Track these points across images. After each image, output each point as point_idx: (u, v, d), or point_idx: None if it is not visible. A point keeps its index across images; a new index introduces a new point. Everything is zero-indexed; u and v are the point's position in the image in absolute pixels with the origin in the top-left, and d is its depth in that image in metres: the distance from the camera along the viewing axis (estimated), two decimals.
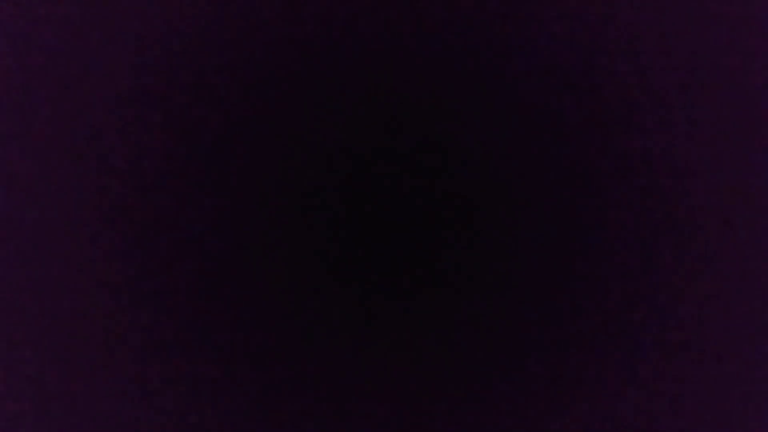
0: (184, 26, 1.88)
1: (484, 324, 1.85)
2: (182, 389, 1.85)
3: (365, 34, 1.87)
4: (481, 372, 1.85)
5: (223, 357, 1.85)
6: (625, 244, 1.86)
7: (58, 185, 1.87)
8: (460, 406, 1.85)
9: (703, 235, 1.87)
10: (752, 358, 1.87)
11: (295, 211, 1.87)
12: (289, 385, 1.85)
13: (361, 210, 1.86)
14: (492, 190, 1.86)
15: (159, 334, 1.86)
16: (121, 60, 1.88)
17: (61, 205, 1.87)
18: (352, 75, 1.87)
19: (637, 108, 1.88)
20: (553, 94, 1.87)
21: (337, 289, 1.86)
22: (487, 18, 1.87)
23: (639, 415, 1.86)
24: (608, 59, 1.88)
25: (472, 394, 1.85)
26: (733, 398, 1.87)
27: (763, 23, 1.89)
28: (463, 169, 1.86)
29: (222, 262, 1.86)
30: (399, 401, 1.85)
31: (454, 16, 1.88)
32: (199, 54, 1.88)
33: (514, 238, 1.86)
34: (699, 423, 1.86)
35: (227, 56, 1.88)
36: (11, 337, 1.86)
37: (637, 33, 1.89)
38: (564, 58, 1.88)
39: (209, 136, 1.87)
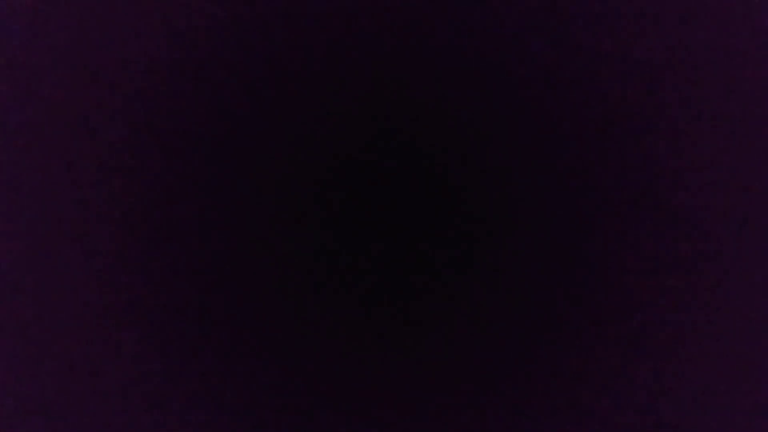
0: (183, 26, 1.88)
1: (483, 324, 1.86)
2: (181, 390, 1.85)
3: (365, 34, 1.87)
4: (480, 372, 1.85)
5: (221, 357, 1.86)
6: (625, 244, 1.86)
7: (58, 185, 1.88)
8: (459, 406, 1.85)
9: (704, 235, 1.87)
10: (752, 358, 1.87)
11: (294, 212, 1.87)
12: (287, 386, 1.86)
13: (360, 210, 1.86)
14: (492, 190, 1.87)
15: (158, 334, 1.86)
16: (121, 60, 1.89)
17: (61, 204, 1.87)
18: (352, 75, 1.88)
19: (636, 108, 1.88)
20: (553, 94, 1.88)
21: (336, 290, 1.86)
22: (486, 17, 1.87)
23: (639, 415, 1.86)
24: (608, 59, 1.88)
25: (471, 394, 1.85)
26: (733, 398, 1.87)
27: (763, 24, 1.89)
28: (463, 169, 1.86)
29: (220, 262, 1.86)
30: (398, 401, 1.86)
31: (454, 15, 1.88)
32: (198, 54, 1.88)
33: (514, 238, 1.86)
34: (699, 423, 1.86)
35: (226, 56, 1.88)
36: (11, 338, 1.87)
37: (637, 33, 1.89)
38: (564, 57, 1.88)
39: (208, 137, 1.87)
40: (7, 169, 1.88)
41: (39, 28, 1.89)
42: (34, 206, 1.87)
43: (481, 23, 1.88)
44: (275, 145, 1.87)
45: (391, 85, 1.87)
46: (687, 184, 1.88)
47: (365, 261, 1.85)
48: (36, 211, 1.87)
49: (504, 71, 1.88)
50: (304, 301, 1.86)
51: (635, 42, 1.89)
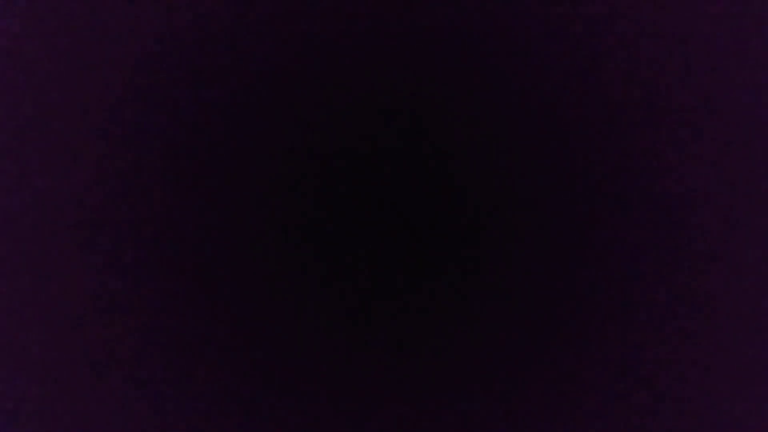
0: (183, 26, 1.89)
1: (483, 324, 1.86)
2: (179, 390, 1.86)
3: (365, 34, 1.87)
4: (480, 373, 1.85)
5: (220, 357, 1.86)
6: (625, 244, 1.87)
7: (57, 185, 1.88)
8: (459, 407, 1.85)
9: (703, 235, 1.87)
10: (752, 358, 1.87)
11: (293, 212, 1.87)
12: (286, 386, 1.86)
13: (360, 210, 1.86)
14: (492, 190, 1.87)
15: (156, 335, 1.86)
16: (121, 60, 1.89)
17: (60, 205, 1.88)
18: (351, 75, 1.88)
19: (636, 108, 1.88)
20: (553, 94, 1.88)
21: (335, 289, 1.86)
22: (486, 17, 1.87)
23: (639, 415, 1.86)
24: (608, 59, 1.88)
25: (470, 395, 1.85)
26: (733, 398, 1.87)
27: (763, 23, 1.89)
28: (463, 169, 1.86)
29: (220, 261, 1.86)
30: (397, 402, 1.86)
31: (454, 15, 1.88)
32: (198, 54, 1.89)
33: (514, 238, 1.87)
34: (699, 423, 1.86)
35: (226, 56, 1.88)
36: (11, 338, 1.87)
37: (637, 33, 1.89)
38: (564, 57, 1.88)
39: (206, 137, 1.87)
40: (6, 168, 1.88)
41: (38, 27, 1.89)
42: (34, 206, 1.88)
43: (482, 21, 1.88)
44: (274, 145, 1.87)
45: (390, 84, 1.87)
46: (687, 183, 1.88)
47: (364, 260, 1.86)
48: (35, 211, 1.88)
49: (504, 70, 1.88)
50: (303, 301, 1.86)
51: (635, 41, 1.89)
